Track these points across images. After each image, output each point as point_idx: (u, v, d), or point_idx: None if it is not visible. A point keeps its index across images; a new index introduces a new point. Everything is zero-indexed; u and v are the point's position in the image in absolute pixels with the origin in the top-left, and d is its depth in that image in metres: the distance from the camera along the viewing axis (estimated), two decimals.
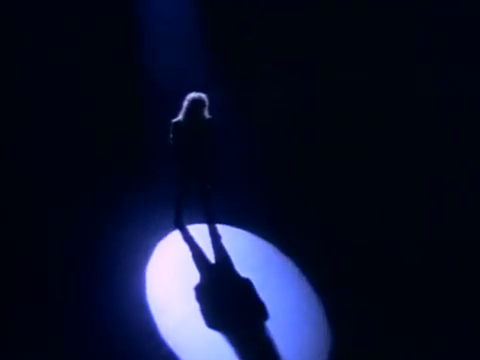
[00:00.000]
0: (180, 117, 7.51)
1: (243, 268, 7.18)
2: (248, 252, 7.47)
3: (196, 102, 7.40)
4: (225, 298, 6.85)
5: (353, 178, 8.58)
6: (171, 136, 7.60)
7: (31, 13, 10.12)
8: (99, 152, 8.97)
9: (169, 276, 7.22)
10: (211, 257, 7.47)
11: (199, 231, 7.82)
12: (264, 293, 6.83)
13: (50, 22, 10.22)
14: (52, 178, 8.50)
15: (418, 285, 6.94)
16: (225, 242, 7.63)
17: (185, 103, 7.46)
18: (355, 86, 9.92)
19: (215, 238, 7.75)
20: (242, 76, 9.96)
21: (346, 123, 9.49)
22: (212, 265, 7.39)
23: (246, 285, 6.98)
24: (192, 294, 6.88)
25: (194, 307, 6.69)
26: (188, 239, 7.73)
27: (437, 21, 10.28)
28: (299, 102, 9.73)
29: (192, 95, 7.43)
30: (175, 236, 7.81)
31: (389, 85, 9.97)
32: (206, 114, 7.46)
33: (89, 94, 9.71)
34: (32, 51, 10.07)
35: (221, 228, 7.82)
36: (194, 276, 7.14)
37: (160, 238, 7.66)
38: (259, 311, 6.65)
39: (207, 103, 7.42)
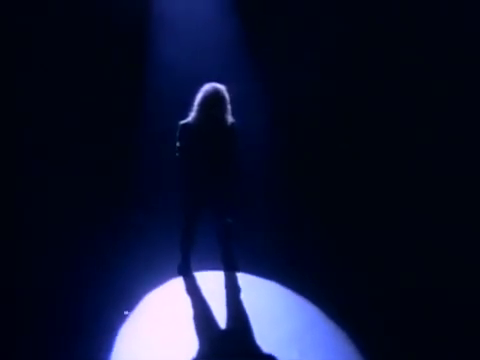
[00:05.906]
0: (190, 118, 6.40)
1: (270, 338, 5.96)
2: (280, 314, 6.32)
3: (213, 97, 6.29)
4: None
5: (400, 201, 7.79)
6: (177, 144, 6.48)
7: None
8: (82, 170, 8.25)
9: (160, 345, 5.90)
10: (223, 319, 6.28)
11: (211, 280, 6.87)
12: None
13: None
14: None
15: None
16: (247, 298, 6.54)
17: (198, 98, 6.37)
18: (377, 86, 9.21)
19: (233, 291, 6.70)
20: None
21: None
22: (225, 331, 6.19)
23: None
24: None
25: None
26: (194, 291, 6.70)
27: None
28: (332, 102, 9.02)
29: (208, 87, 6.36)
30: (176, 286, 6.77)
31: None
32: (228, 116, 6.37)
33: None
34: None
35: (242, 278, 6.87)
36: (195, 346, 5.86)
37: (154, 287, 6.64)
38: None
39: (228, 99, 6.35)
